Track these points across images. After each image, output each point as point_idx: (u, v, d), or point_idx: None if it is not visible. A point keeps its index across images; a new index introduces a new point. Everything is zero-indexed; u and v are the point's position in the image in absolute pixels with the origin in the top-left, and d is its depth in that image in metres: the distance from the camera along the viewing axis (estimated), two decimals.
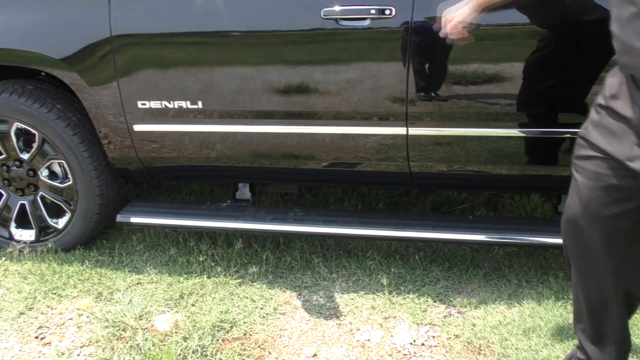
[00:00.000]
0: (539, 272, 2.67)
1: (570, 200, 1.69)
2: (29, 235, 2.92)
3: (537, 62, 2.26)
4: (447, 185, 2.95)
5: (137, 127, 2.61)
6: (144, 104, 2.56)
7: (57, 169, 2.82)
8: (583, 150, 1.61)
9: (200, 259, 2.78)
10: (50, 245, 2.87)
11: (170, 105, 2.55)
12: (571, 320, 2.15)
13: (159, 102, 2.55)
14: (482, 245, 2.80)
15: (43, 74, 2.75)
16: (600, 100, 1.57)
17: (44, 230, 2.92)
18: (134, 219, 2.74)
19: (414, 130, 2.41)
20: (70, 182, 2.78)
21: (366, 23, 2.27)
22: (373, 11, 2.24)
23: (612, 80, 1.53)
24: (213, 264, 2.75)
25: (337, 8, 2.27)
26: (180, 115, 2.56)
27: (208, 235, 2.98)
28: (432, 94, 2.35)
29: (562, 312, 2.38)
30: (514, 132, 2.37)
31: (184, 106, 2.54)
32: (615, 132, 1.51)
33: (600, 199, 1.59)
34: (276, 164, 2.66)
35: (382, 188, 3.27)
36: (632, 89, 1.46)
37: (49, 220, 2.88)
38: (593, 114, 1.60)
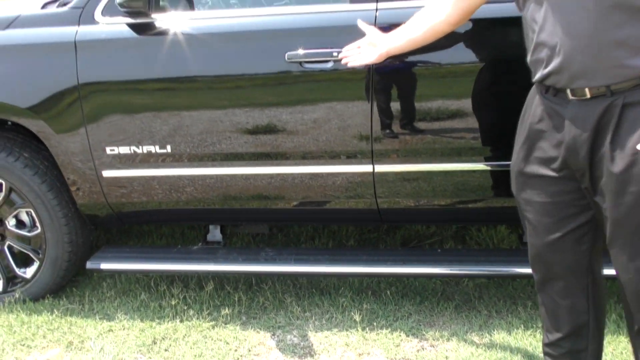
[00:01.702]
0: (508, 302, 2.72)
1: (528, 237, 1.77)
2: None
3: (495, 96, 2.36)
4: (415, 220, 3.00)
5: (106, 173, 2.62)
6: (113, 150, 2.57)
7: (24, 217, 2.80)
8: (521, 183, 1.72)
9: (172, 303, 2.76)
10: (18, 296, 2.82)
11: (139, 150, 2.56)
12: (540, 348, 2.19)
13: (128, 147, 2.57)
14: (452, 277, 2.84)
15: (9, 122, 2.75)
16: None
17: (11, 281, 2.87)
18: (104, 265, 2.72)
19: (380, 168, 2.46)
20: (38, 231, 2.75)
21: (329, 65, 2.34)
22: (335, 54, 2.31)
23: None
24: (185, 308, 2.74)
25: (300, 52, 2.34)
26: (149, 160, 2.58)
27: (180, 278, 2.96)
28: (396, 132, 2.42)
29: (531, 340, 2.42)
30: (479, 166, 2.44)
31: (153, 151, 2.56)
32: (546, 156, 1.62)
33: (551, 224, 1.68)
34: (246, 205, 2.68)
35: (352, 225, 3.31)
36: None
37: (16, 270, 2.84)
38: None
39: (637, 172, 1.47)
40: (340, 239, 3.28)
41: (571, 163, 1.58)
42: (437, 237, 3.26)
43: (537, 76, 1.60)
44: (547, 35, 1.52)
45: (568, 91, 1.53)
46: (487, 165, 2.45)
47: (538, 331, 2.47)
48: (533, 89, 1.70)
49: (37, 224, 2.74)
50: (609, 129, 1.49)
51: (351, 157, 2.47)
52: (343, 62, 2.15)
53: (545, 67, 1.55)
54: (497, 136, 2.41)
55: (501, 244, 3.16)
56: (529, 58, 1.63)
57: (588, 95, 1.50)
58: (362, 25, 2.12)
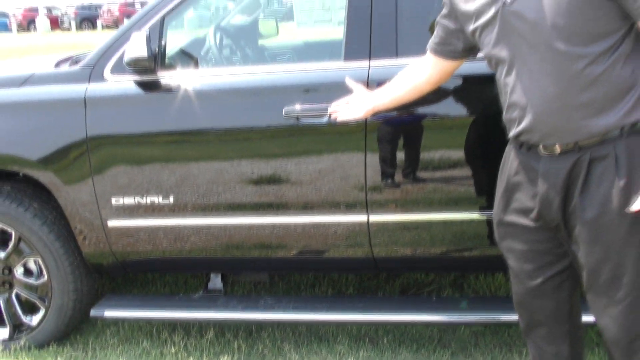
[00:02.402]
0: (504, 350, 2.75)
1: (512, 284, 1.84)
2: (2, 333, 2.93)
3: (484, 148, 2.46)
4: (411, 268, 3.06)
5: (111, 223, 2.71)
6: (118, 200, 2.68)
7: (32, 265, 2.88)
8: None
9: (173, 351, 2.81)
10: (23, 343, 2.88)
11: (143, 201, 2.67)
12: None
13: (133, 198, 2.67)
14: (448, 325, 2.88)
15: (20, 174, 2.87)
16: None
17: (17, 328, 2.94)
18: (108, 313, 2.79)
19: (375, 217, 2.55)
20: (45, 279, 2.83)
21: (324, 120, 2.45)
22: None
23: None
24: (186, 355, 2.79)
25: (297, 107, 2.46)
26: (154, 210, 2.67)
27: (181, 326, 3.02)
28: (390, 183, 2.51)
29: None
30: (475, 215, 2.52)
31: (157, 201, 2.66)
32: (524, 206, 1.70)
33: (532, 271, 1.75)
34: (248, 254, 2.76)
35: (351, 273, 3.37)
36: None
37: (22, 317, 2.91)
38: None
39: (608, 221, 1.55)
40: (340, 287, 3.33)
41: (545, 214, 1.66)
42: (435, 284, 3.31)
43: (512, 133, 1.71)
44: (518, 97, 1.63)
45: (540, 147, 1.63)
46: (482, 214, 2.51)
47: None
48: (509, 144, 1.80)
49: (44, 273, 2.82)
50: (578, 182, 1.59)
51: (348, 207, 2.56)
52: (332, 117, 2.27)
53: (518, 125, 1.66)
54: (490, 186, 2.48)
55: (498, 291, 3.21)
56: (504, 116, 1.74)
57: (558, 151, 1.61)
58: (350, 82, 2.24)
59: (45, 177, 2.71)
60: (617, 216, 1.54)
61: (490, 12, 1.64)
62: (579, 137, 1.56)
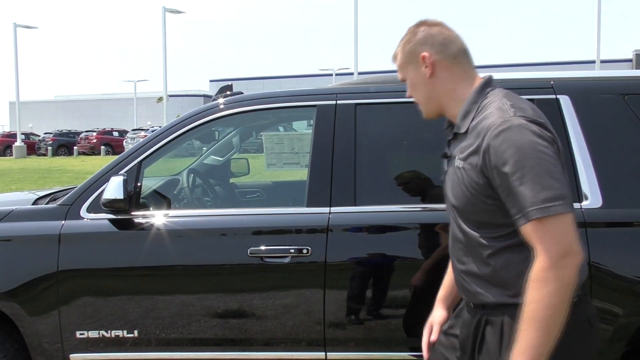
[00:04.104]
0: None
1: None
2: None
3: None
4: None
5: (73, 357, 2.74)
6: (82, 334, 2.73)
7: None
8: None
9: None
10: None
11: (108, 335, 2.72)
12: None
13: (97, 331, 2.73)
14: None
15: None
16: None
17: None
18: None
19: (333, 355, 2.63)
20: None
21: (286, 260, 2.61)
22: (292, 250, 2.60)
23: None
24: None
25: (262, 247, 2.63)
26: (117, 344, 2.72)
27: None
28: (347, 320, 2.62)
29: None
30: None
31: (121, 335, 2.72)
32: None
33: None
34: None
35: None
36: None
37: None
38: None
39: None
40: None
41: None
42: None
43: None
44: (449, 249, 1.85)
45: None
46: None
47: None
48: None
49: None
50: (477, 338, 1.72)
51: (305, 343, 2.64)
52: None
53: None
54: None
55: None
56: None
57: (471, 304, 1.77)
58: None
59: (9, 308, 2.75)
60: None
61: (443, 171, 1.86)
62: (472, 299, 1.73)
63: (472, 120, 1.65)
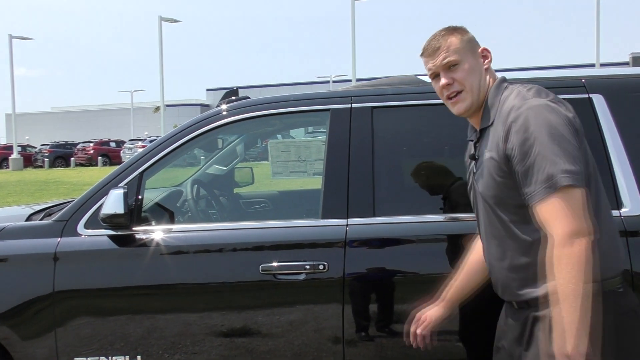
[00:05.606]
0: None
1: None
2: None
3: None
4: None
5: None
6: None
7: None
8: None
9: None
10: None
11: None
12: None
13: (97, 357, 2.52)
14: None
15: None
16: None
17: None
18: None
19: None
20: None
21: (301, 277, 2.41)
22: (307, 267, 2.39)
23: None
24: None
25: (274, 264, 2.42)
26: None
27: None
28: (367, 337, 2.42)
29: None
30: None
31: None
32: None
33: None
34: None
35: None
36: None
37: None
38: None
39: None
40: None
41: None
42: None
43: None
44: (485, 254, 1.89)
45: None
46: None
47: None
48: None
49: None
50: (524, 336, 1.74)
51: None
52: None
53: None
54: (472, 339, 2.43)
55: None
56: None
57: (515, 306, 1.79)
58: None
59: (0, 332, 2.54)
60: None
61: (469, 171, 1.90)
62: (518, 297, 1.76)
63: (497, 112, 1.76)
